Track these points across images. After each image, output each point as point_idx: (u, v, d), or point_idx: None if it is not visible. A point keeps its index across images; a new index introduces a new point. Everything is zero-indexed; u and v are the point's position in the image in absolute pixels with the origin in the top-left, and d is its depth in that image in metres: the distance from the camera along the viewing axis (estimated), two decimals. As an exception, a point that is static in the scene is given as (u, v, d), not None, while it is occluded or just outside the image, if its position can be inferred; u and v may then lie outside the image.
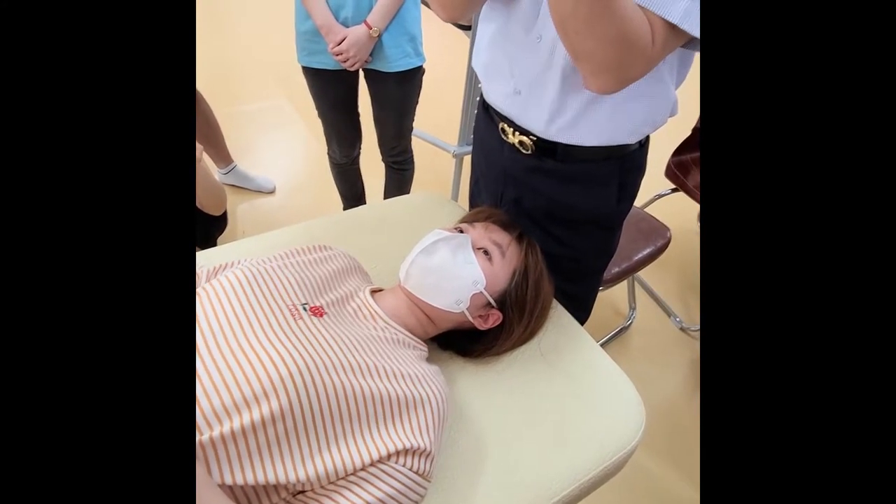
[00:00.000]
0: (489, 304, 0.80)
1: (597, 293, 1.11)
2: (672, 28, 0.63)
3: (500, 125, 0.90)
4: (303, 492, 0.62)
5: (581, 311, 1.06)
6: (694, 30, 0.63)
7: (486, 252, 0.80)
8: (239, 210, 2.11)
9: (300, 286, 0.74)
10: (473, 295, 0.78)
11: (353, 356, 0.66)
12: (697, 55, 0.72)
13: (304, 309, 0.71)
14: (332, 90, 1.52)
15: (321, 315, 0.71)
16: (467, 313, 0.79)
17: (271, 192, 2.19)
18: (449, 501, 0.69)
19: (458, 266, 0.78)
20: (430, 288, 0.78)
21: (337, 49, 1.36)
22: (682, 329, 1.84)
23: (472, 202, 1.13)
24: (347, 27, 1.36)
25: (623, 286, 1.83)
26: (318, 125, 1.65)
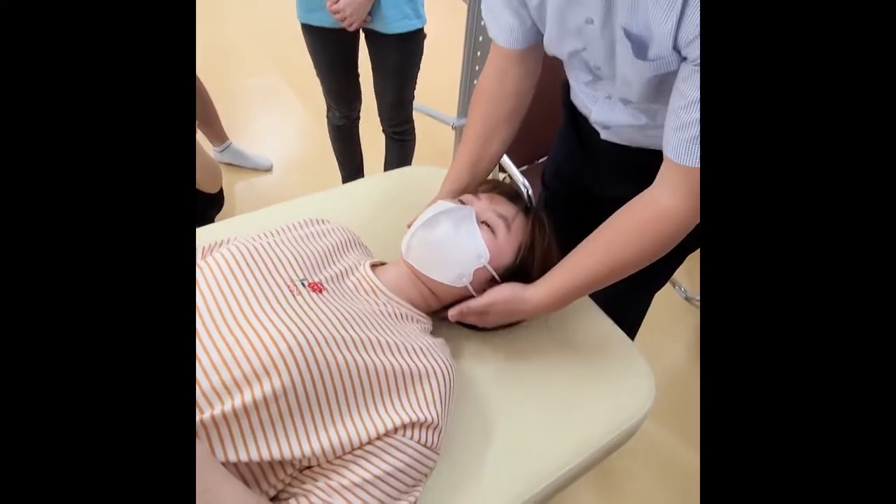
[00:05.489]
0: (493, 279, 0.78)
1: (641, 320, 1.12)
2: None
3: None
4: (309, 467, 0.61)
5: (626, 324, 0.97)
6: None
7: (490, 225, 0.78)
8: (236, 189, 2.08)
9: (298, 262, 0.73)
10: (477, 269, 0.76)
11: (355, 331, 0.65)
12: None
13: (303, 285, 0.69)
14: (329, 49, 1.49)
15: (320, 291, 0.70)
16: (471, 288, 0.77)
17: (268, 169, 2.16)
18: (457, 473, 0.69)
19: (461, 239, 0.76)
20: (431, 262, 0.76)
21: (334, 7, 1.33)
22: (686, 298, 1.83)
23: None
24: None
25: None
26: (315, 101, 1.61)
